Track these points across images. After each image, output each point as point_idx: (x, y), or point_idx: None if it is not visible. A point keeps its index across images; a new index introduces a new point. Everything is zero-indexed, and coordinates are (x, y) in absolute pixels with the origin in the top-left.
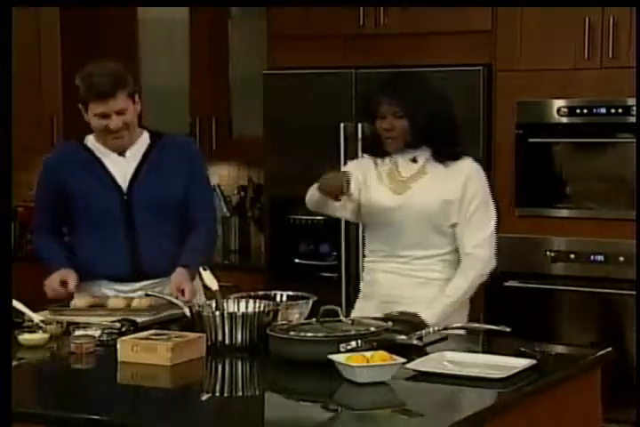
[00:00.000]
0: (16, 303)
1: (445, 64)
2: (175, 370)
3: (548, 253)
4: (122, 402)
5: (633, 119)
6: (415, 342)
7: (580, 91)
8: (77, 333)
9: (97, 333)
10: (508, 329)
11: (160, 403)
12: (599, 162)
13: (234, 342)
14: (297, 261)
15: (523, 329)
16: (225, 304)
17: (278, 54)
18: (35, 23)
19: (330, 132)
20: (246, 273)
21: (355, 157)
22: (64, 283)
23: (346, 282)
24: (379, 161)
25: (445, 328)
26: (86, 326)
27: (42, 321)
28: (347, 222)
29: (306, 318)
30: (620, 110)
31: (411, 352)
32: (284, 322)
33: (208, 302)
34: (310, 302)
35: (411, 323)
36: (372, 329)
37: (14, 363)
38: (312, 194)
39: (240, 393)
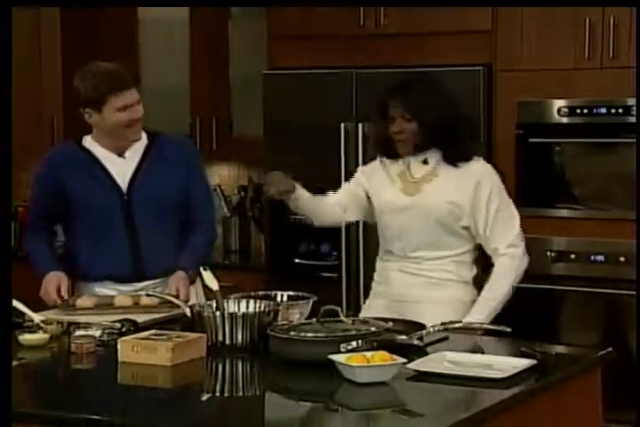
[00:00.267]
0: (16, 303)
1: (446, 64)
2: (175, 370)
3: (548, 253)
4: (122, 402)
5: (633, 119)
6: (415, 342)
7: (581, 91)
8: (78, 333)
9: (97, 333)
10: (508, 329)
11: (160, 403)
12: (600, 162)
13: (234, 342)
14: (297, 261)
15: (523, 329)
16: (225, 304)
17: (278, 54)
18: (35, 23)
19: (330, 132)
20: (247, 273)
21: (355, 156)
22: (59, 290)
23: (346, 282)
24: (387, 162)
25: (446, 328)
26: (87, 326)
27: (42, 321)
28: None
29: (306, 318)
30: (620, 110)
31: (411, 352)
32: (284, 322)
33: (208, 303)
34: (310, 302)
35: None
36: (373, 329)
37: (15, 363)
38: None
39: (240, 393)
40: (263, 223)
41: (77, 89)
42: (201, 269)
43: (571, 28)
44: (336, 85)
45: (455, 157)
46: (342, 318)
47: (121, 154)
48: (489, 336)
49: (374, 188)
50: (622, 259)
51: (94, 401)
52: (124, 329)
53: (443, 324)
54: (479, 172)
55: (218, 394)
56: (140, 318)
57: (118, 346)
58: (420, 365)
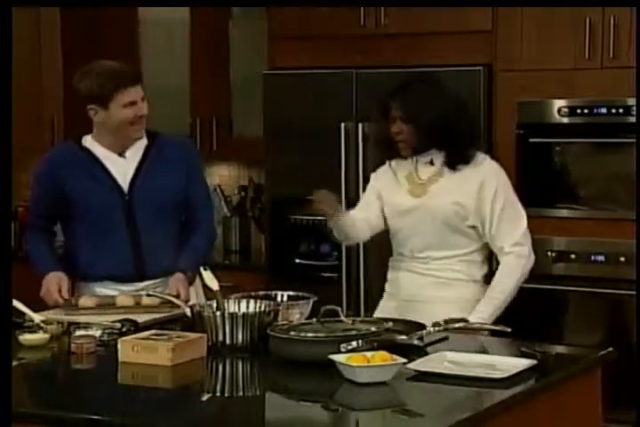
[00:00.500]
0: (16, 303)
1: (446, 64)
2: (176, 370)
3: (548, 253)
4: (122, 402)
5: (633, 119)
6: (416, 342)
7: (581, 91)
8: (78, 333)
9: (97, 333)
10: (508, 329)
11: (160, 403)
12: (600, 162)
13: (234, 342)
14: (297, 261)
15: (523, 329)
16: (225, 304)
17: (279, 54)
18: (35, 23)
19: (330, 132)
20: (247, 273)
21: (355, 156)
22: (60, 290)
23: (346, 282)
24: (394, 165)
25: (446, 328)
26: (87, 326)
27: (42, 321)
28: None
29: (306, 318)
30: (620, 110)
31: (411, 352)
32: (284, 322)
33: (209, 303)
34: (311, 302)
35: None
36: (373, 329)
37: (15, 363)
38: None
39: (241, 393)
40: (263, 223)
41: (78, 88)
42: (201, 269)
43: (571, 28)
44: (336, 85)
45: (455, 159)
46: (342, 318)
47: (121, 154)
48: (489, 336)
49: (384, 191)
50: (622, 259)
51: (94, 401)
52: (124, 329)
53: (445, 322)
54: (484, 171)
55: (218, 394)
56: (141, 318)
57: (118, 346)
58: (420, 365)
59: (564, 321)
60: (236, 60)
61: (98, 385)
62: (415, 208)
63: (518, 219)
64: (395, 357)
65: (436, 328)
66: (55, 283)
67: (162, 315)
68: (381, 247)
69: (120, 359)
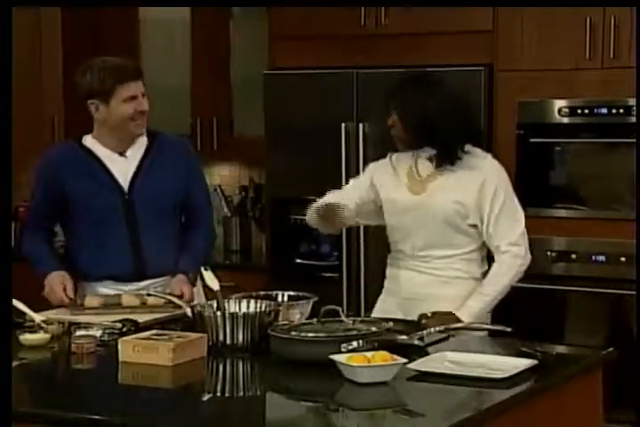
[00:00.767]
0: (17, 303)
1: (446, 64)
2: (176, 370)
3: (548, 253)
4: (123, 402)
5: (634, 119)
6: (416, 342)
7: (581, 91)
8: (78, 333)
9: (98, 333)
10: (508, 329)
11: (161, 403)
12: (600, 162)
13: (235, 342)
14: (298, 261)
15: (524, 329)
16: (226, 304)
17: (279, 54)
18: (35, 23)
19: (331, 132)
20: (247, 273)
21: (356, 156)
22: (65, 289)
23: (347, 282)
24: (395, 159)
25: (446, 328)
26: (87, 326)
27: (43, 321)
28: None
29: (307, 318)
30: (621, 110)
31: (412, 352)
32: (285, 322)
33: (209, 303)
34: (311, 302)
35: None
36: (374, 329)
37: (15, 363)
38: (311, 216)
39: (241, 393)
40: (264, 223)
41: (80, 84)
42: (202, 269)
43: (571, 28)
44: (337, 85)
45: (441, 158)
46: (343, 318)
47: (122, 153)
48: (490, 336)
49: (383, 186)
50: (623, 259)
51: (95, 401)
52: (124, 329)
53: (432, 313)
54: (485, 170)
55: (219, 394)
56: (141, 318)
57: (119, 346)
58: (420, 365)
59: (564, 321)
60: (236, 60)
61: (98, 385)
62: (415, 206)
63: (516, 219)
64: (395, 357)
65: (437, 328)
66: (59, 282)
67: (163, 315)
68: (382, 247)
69: (121, 359)
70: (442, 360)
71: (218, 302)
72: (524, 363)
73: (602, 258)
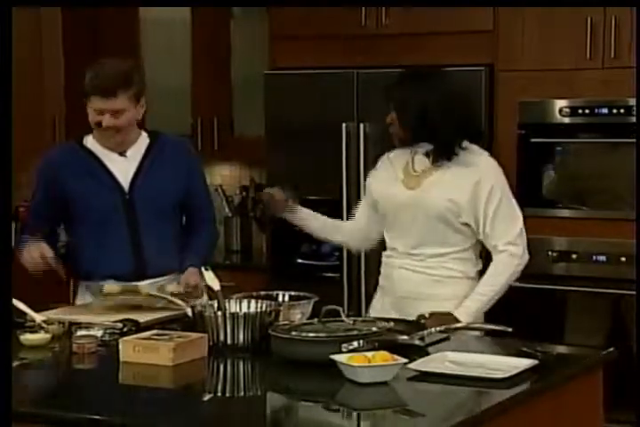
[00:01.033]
0: (18, 303)
1: (447, 64)
2: (177, 370)
3: (549, 253)
4: (123, 402)
5: (634, 119)
6: (417, 342)
7: (582, 91)
8: (79, 333)
9: (99, 333)
10: (509, 329)
11: (162, 403)
12: (601, 162)
13: (236, 342)
14: (299, 261)
15: (524, 329)
16: (227, 304)
17: (280, 54)
18: (36, 23)
19: (331, 132)
20: (248, 273)
21: (356, 156)
22: (43, 257)
23: (348, 282)
24: (392, 156)
25: (447, 328)
26: (88, 326)
27: (44, 321)
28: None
29: (308, 319)
30: (621, 110)
31: (412, 352)
32: (285, 322)
33: (210, 303)
34: (312, 302)
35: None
36: (374, 329)
37: (16, 363)
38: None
39: (242, 393)
40: (265, 223)
41: (83, 79)
42: (203, 269)
43: (572, 28)
44: (337, 85)
45: (438, 154)
46: (343, 318)
47: (122, 153)
48: (490, 336)
49: (380, 187)
50: (623, 259)
51: (95, 401)
52: (125, 329)
53: (430, 314)
54: (481, 168)
55: (219, 394)
56: (142, 318)
57: (120, 346)
58: (421, 365)
59: (564, 321)
60: (237, 60)
61: (99, 385)
62: (409, 201)
63: (513, 218)
64: (396, 357)
65: (437, 328)
66: (37, 250)
67: (163, 315)
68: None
69: (121, 359)
70: (442, 360)
71: (218, 302)
72: (524, 363)
73: (602, 258)
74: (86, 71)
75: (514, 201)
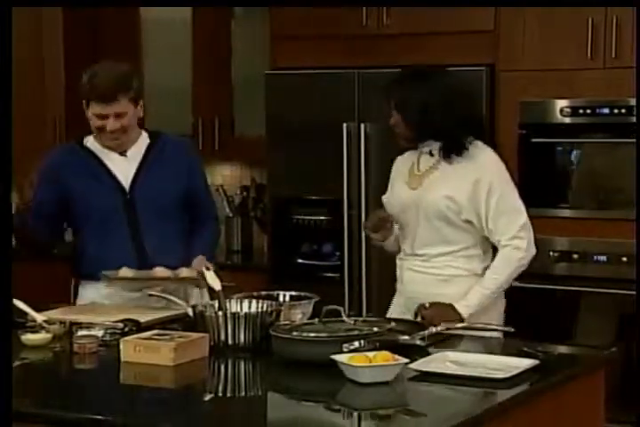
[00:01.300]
0: (19, 303)
1: (448, 64)
2: (178, 370)
3: (550, 253)
4: (124, 402)
5: (635, 119)
6: (418, 342)
7: (583, 91)
8: (80, 333)
9: (100, 333)
10: (511, 329)
11: (162, 403)
12: (602, 162)
13: (236, 342)
14: (300, 261)
15: (525, 329)
16: (228, 304)
17: (280, 54)
18: (37, 23)
19: (332, 132)
20: (249, 273)
21: (357, 156)
22: None
23: (348, 282)
24: (406, 155)
25: (448, 328)
26: (89, 326)
27: (45, 321)
28: (349, 222)
29: (308, 319)
30: (622, 110)
31: (413, 352)
32: (286, 322)
33: (211, 302)
34: (313, 302)
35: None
36: (375, 329)
37: (17, 363)
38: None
39: (243, 393)
40: (265, 223)
41: (81, 83)
42: (203, 269)
43: (573, 28)
44: (338, 85)
45: (448, 149)
46: (344, 318)
47: (123, 153)
48: (491, 337)
49: (390, 186)
50: (624, 259)
51: (96, 401)
52: (126, 329)
53: (430, 304)
54: (481, 165)
55: (220, 394)
56: (143, 318)
57: (121, 346)
58: (422, 365)
59: (565, 321)
60: (237, 60)
61: (100, 385)
62: (411, 201)
63: (516, 212)
64: (397, 357)
65: (438, 328)
66: None
67: (163, 315)
68: (383, 248)
69: (122, 359)
70: (443, 360)
71: (219, 302)
72: (525, 363)
73: (603, 258)
74: (84, 77)
75: (516, 195)
